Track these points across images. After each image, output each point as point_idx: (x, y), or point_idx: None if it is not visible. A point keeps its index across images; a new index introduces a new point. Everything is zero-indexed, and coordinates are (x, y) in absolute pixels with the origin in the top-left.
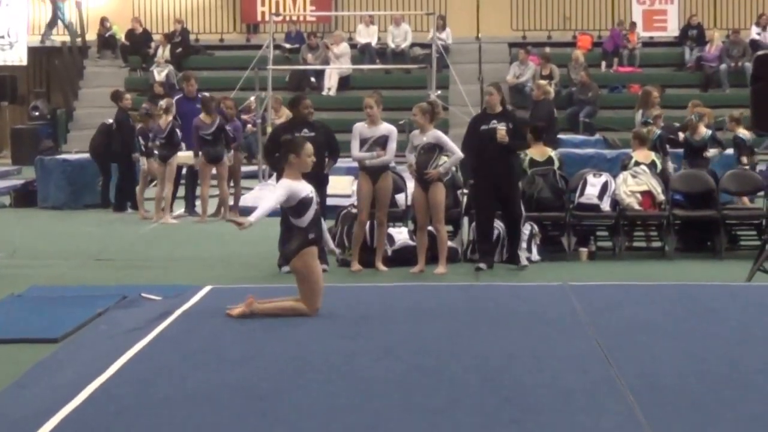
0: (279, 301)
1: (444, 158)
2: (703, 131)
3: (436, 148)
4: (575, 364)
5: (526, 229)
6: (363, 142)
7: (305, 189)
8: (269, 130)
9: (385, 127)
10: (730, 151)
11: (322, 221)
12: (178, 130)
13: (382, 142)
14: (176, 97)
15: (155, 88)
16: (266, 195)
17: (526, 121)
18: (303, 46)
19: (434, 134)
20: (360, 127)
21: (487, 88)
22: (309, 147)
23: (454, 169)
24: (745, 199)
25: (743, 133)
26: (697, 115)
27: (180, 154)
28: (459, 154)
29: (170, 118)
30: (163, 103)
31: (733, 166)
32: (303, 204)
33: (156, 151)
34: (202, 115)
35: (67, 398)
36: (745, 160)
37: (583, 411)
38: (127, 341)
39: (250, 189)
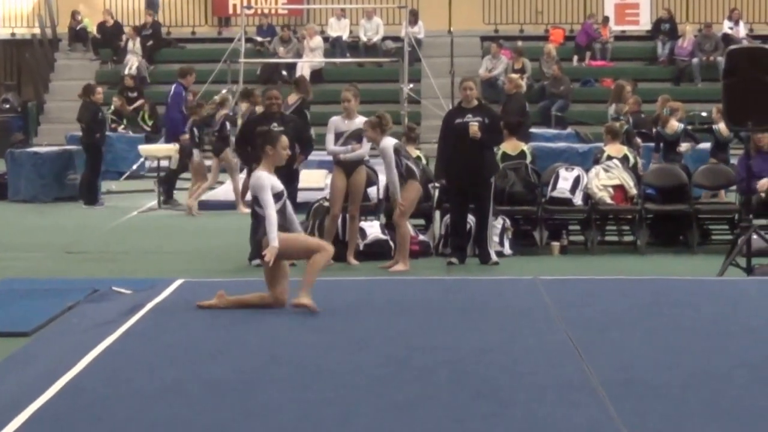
0: (248, 295)
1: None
2: (676, 125)
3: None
4: (547, 358)
5: (498, 223)
6: (338, 135)
7: (278, 182)
8: (239, 122)
9: (361, 121)
10: (705, 145)
11: (293, 215)
12: (228, 123)
13: (357, 135)
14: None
15: (126, 81)
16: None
17: (501, 117)
18: (275, 39)
19: (384, 146)
20: (336, 121)
21: (466, 82)
22: (284, 139)
23: (425, 162)
24: (722, 193)
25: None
26: (668, 110)
27: (163, 146)
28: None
29: (224, 111)
30: (217, 97)
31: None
32: (275, 197)
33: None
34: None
35: (39, 391)
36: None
37: (555, 405)
38: (98, 335)
39: (220, 183)
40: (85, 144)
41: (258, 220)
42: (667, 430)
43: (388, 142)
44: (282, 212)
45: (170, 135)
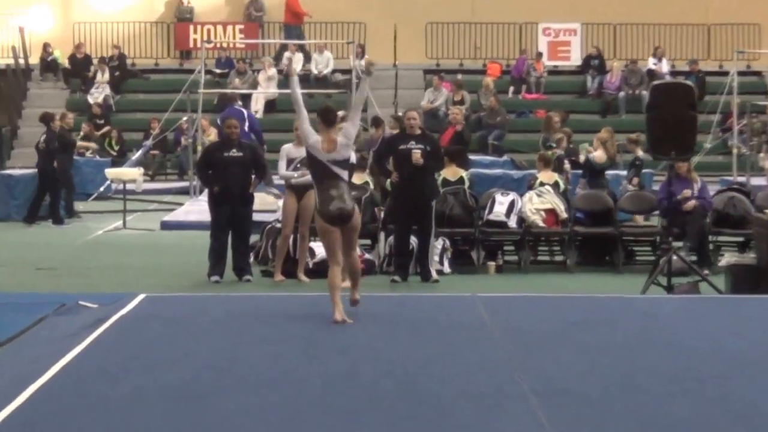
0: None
1: None
2: (604, 156)
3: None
4: (483, 369)
5: (438, 244)
6: (290, 161)
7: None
8: (200, 149)
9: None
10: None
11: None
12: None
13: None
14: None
15: (94, 109)
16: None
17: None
18: (232, 72)
19: None
20: (288, 148)
21: (410, 112)
22: None
23: (372, 187)
24: (639, 218)
25: (641, 154)
26: (592, 142)
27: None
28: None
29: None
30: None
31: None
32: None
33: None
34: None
35: (10, 398)
36: (635, 181)
37: (491, 413)
38: (66, 346)
39: (180, 204)
40: (41, 169)
41: None
42: None
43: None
44: None
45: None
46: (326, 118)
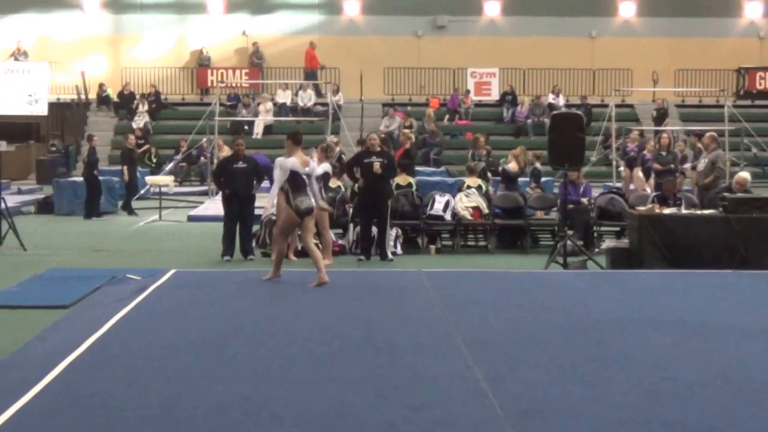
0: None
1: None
2: (516, 167)
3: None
4: (426, 326)
5: (393, 232)
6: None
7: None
8: (215, 162)
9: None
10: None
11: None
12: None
13: None
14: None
15: (135, 133)
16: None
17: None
18: (239, 104)
19: (323, 165)
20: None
21: (372, 134)
22: None
23: (343, 189)
24: (540, 213)
25: (539, 166)
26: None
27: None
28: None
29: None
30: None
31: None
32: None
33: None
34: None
35: (76, 346)
36: (533, 185)
37: (432, 358)
38: (117, 308)
39: (201, 203)
40: (84, 176)
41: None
42: (507, 372)
43: (326, 166)
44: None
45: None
46: (296, 139)
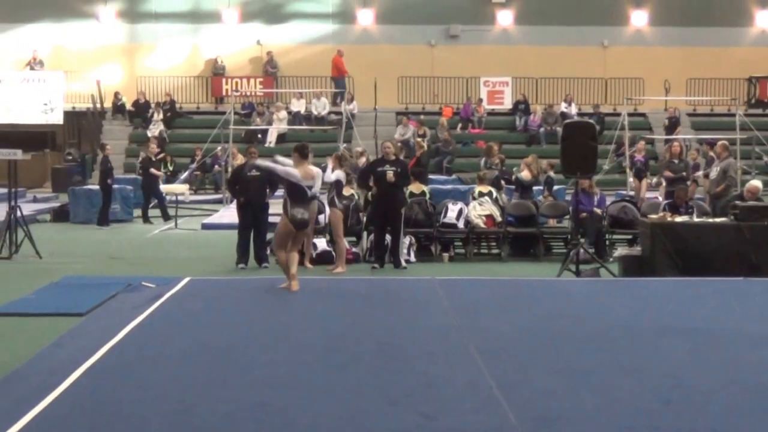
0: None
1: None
2: (530, 175)
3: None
4: (439, 333)
5: (406, 240)
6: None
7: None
8: (230, 170)
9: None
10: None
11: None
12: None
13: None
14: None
15: (151, 141)
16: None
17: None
18: (253, 113)
19: (336, 173)
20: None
21: (386, 143)
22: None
23: (357, 197)
24: (552, 221)
25: (552, 174)
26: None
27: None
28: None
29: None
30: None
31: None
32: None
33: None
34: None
35: (93, 352)
36: (546, 194)
37: (444, 365)
38: (132, 314)
39: (216, 211)
40: (100, 185)
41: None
42: (520, 379)
43: (340, 173)
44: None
45: None
46: (302, 153)
